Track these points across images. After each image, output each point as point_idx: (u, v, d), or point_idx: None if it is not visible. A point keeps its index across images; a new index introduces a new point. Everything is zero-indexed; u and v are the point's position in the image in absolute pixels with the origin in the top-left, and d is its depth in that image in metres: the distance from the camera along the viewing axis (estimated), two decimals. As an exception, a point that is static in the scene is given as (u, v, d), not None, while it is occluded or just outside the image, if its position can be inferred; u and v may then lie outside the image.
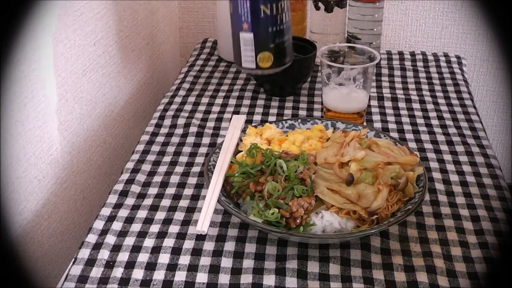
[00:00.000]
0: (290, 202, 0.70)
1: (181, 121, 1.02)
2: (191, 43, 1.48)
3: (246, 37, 0.85)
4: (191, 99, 1.10)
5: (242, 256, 0.72)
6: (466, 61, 1.32)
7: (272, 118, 1.04)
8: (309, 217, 0.72)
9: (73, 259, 0.72)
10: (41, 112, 0.84)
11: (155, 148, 0.94)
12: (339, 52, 1.06)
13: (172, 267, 0.71)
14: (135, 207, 0.81)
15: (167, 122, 1.02)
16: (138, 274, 0.70)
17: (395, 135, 0.97)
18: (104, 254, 0.72)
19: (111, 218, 0.79)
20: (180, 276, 0.69)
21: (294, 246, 0.73)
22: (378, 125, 1.01)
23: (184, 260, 0.72)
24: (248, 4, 0.82)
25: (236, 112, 1.05)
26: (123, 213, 0.80)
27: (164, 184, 0.86)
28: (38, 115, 0.84)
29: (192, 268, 0.70)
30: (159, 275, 0.70)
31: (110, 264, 0.71)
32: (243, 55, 0.86)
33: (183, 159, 0.92)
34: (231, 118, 0.90)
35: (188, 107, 1.07)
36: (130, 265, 0.71)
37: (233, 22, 0.86)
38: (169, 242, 0.74)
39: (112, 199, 0.82)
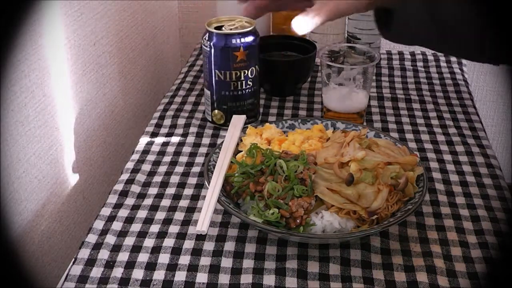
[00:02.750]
0: (290, 202, 0.70)
1: (181, 121, 1.02)
2: (191, 43, 1.48)
3: (206, 93, 0.96)
4: (191, 99, 1.10)
5: (242, 256, 0.72)
6: (466, 61, 1.32)
7: (272, 118, 1.04)
8: (309, 217, 0.72)
9: (73, 259, 0.72)
10: (41, 112, 0.84)
11: (155, 148, 0.94)
12: (339, 52, 1.06)
13: (172, 267, 0.71)
14: (135, 207, 0.81)
15: (167, 122, 1.02)
16: (138, 274, 0.70)
17: (395, 135, 0.97)
18: (104, 254, 0.72)
19: (111, 218, 0.79)
20: (180, 276, 0.69)
21: (294, 246, 0.73)
22: (378, 125, 1.01)
23: (184, 260, 0.72)
24: (207, 66, 0.93)
25: (236, 112, 1.05)
26: (123, 213, 0.80)
27: (164, 184, 0.86)
28: (38, 115, 0.84)
29: (192, 268, 0.70)
30: (159, 275, 0.70)
31: (110, 264, 0.71)
32: (205, 108, 0.99)
33: (183, 159, 0.92)
34: (231, 118, 0.91)
35: (188, 107, 1.07)
36: (130, 265, 0.71)
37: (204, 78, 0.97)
38: (169, 242, 0.74)
39: (112, 199, 0.82)
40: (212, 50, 0.91)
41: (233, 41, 0.90)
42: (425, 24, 0.67)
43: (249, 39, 0.91)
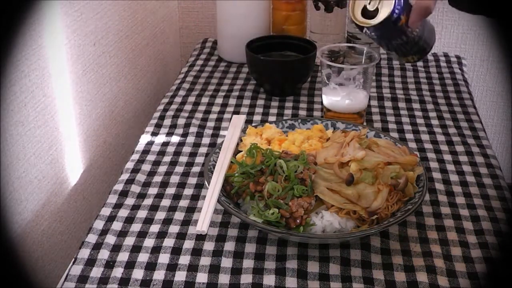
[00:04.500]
0: (290, 202, 0.70)
1: (181, 121, 1.02)
2: (191, 43, 1.48)
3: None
4: (191, 99, 1.10)
5: (242, 256, 0.72)
6: (466, 61, 1.32)
7: (272, 118, 1.04)
8: (309, 217, 0.72)
9: (73, 259, 0.72)
10: (41, 112, 0.84)
11: (155, 148, 0.94)
12: (339, 52, 1.05)
13: (172, 267, 0.71)
14: (135, 207, 0.81)
15: (167, 122, 1.02)
16: (138, 274, 0.70)
17: (395, 135, 0.97)
18: (104, 254, 0.72)
19: (111, 218, 0.79)
20: (180, 276, 0.69)
21: (294, 246, 0.73)
22: (378, 125, 1.01)
23: (184, 260, 0.72)
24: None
25: (236, 112, 1.05)
26: (123, 213, 0.80)
27: (164, 184, 0.86)
28: (38, 115, 0.84)
29: (192, 268, 0.70)
30: (159, 275, 0.70)
31: (110, 264, 0.71)
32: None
33: (183, 159, 0.92)
34: (231, 118, 0.90)
35: (188, 107, 1.07)
36: (130, 265, 0.71)
37: None
38: (169, 242, 0.74)
39: (112, 199, 0.82)
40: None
41: None
42: None
43: None
